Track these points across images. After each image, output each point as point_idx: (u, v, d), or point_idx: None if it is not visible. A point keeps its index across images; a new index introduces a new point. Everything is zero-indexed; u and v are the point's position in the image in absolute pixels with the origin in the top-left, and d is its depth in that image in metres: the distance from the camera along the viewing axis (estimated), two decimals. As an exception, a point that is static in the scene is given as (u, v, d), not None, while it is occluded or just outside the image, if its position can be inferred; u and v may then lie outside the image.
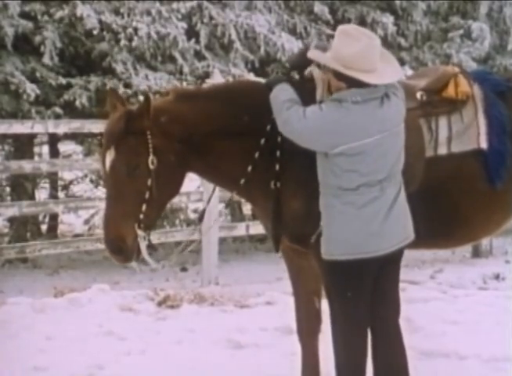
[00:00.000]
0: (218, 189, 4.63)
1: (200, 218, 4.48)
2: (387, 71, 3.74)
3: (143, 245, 3.84)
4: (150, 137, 3.80)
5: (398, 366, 3.92)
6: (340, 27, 3.83)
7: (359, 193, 3.67)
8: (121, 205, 3.78)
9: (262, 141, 3.95)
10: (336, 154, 3.65)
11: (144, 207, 3.81)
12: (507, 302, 6.99)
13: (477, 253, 10.49)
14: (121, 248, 3.81)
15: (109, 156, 3.80)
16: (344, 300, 3.81)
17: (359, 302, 3.81)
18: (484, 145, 4.14)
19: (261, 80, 4.31)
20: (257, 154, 3.96)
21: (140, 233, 3.82)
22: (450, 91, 4.22)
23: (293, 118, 3.69)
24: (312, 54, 3.82)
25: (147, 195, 3.81)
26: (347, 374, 3.86)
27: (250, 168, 3.98)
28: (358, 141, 3.62)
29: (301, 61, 3.99)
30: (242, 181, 4.01)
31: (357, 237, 3.70)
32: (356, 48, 3.64)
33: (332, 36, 4.53)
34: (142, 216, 3.81)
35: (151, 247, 3.96)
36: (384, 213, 3.70)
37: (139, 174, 3.79)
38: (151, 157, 3.79)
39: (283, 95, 3.81)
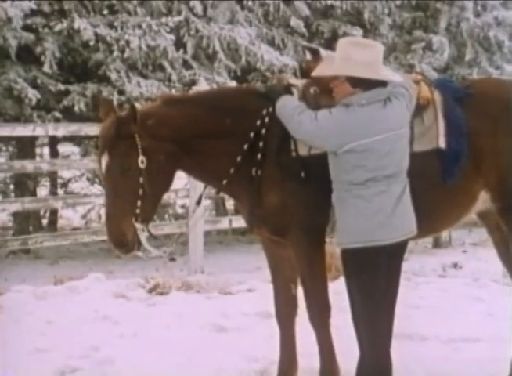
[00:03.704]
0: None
1: (198, 202, 4.51)
2: (390, 73, 3.86)
3: (143, 237, 3.88)
4: (139, 140, 3.83)
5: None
6: (345, 39, 3.93)
7: (367, 187, 3.69)
8: (119, 203, 3.82)
9: (244, 143, 3.98)
10: (345, 152, 3.68)
11: (139, 202, 3.85)
12: (464, 289, 7.05)
13: (437, 244, 10.57)
14: (123, 242, 3.84)
15: (104, 160, 3.84)
16: (362, 289, 3.78)
17: (376, 290, 3.80)
18: (442, 145, 4.16)
19: (258, 87, 4.33)
20: (239, 158, 4.00)
21: (138, 226, 3.85)
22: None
23: (306, 120, 3.75)
24: (324, 71, 3.84)
25: (141, 192, 3.85)
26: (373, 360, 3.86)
27: (233, 169, 4.01)
28: (364, 139, 3.66)
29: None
30: (225, 180, 4.05)
31: (366, 227, 3.70)
32: (373, 54, 3.74)
33: (307, 47, 4.55)
34: (138, 211, 3.85)
35: (152, 237, 3.97)
36: (390, 206, 3.71)
37: (132, 173, 3.83)
38: (141, 158, 3.83)
39: (291, 103, 3.90)
